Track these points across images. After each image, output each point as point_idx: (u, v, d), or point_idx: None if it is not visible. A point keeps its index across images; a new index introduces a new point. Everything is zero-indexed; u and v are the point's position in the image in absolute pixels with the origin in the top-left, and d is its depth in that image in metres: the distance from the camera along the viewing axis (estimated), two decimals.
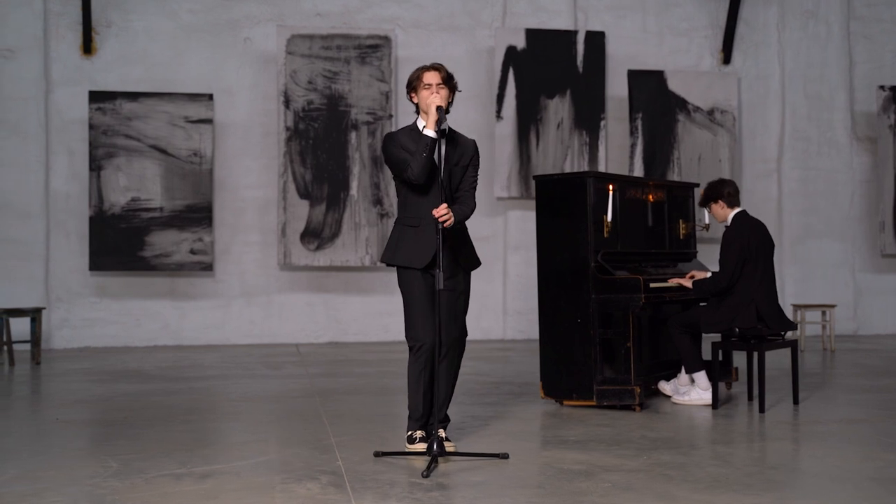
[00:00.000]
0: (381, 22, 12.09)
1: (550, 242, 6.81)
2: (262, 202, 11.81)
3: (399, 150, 5.17)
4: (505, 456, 4.99)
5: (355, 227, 11.64)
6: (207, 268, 11.46)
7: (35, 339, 9.87)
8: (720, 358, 7.45)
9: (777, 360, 9.23)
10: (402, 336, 11.97)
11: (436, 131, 5.03)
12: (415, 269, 5.17)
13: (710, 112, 12.40)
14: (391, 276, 12.02)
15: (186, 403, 7.04)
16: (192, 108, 11.42)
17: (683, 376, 6.97)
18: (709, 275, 6.86)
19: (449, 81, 5.23)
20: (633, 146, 12.20)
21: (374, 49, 11.74)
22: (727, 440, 5.57)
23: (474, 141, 5.45)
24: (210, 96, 11.49)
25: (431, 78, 5.17)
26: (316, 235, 11.59)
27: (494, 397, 7.23)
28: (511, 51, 12.02)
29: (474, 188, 5.36)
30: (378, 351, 10.93)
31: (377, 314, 12.08)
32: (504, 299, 12.26)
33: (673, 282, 6.86)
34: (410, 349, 5.22)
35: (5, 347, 9.72)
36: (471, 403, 6.94)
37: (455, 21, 12.30)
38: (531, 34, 12.04)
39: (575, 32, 12.16)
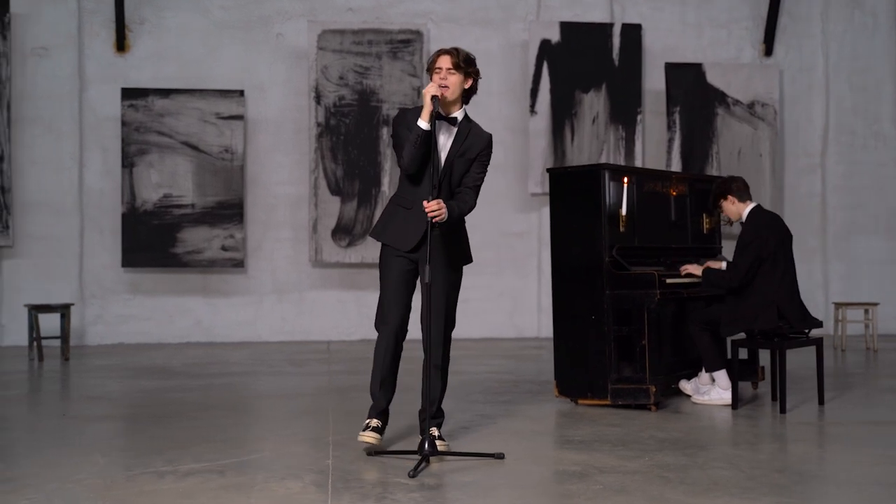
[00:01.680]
0: (414, 16, 11.97)
1: (564, 237, 6.65)
2: (293, 198, 11.76)
3: (405, 129, 4.98)
4: (500, 456, 4.84)
5: None
6: (239, 264, 11.44)
7: (64, 335, 9.91)
8: (745, 356, 7.28)
9: (810, 358, 8.95)
10: None
11: (429, 122, 4.85)
12: (397, 251, 5.03)
13: (751, 105, 12.10)
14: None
15: (200, 400, 6.98)
16: (223, 104, 11.41)
17: (704, 375, 6.76)
18: (723, 265, 6.62)
19: (464, 66, 4.95)
20: (670, 141, 11.95)
21: (405, 44, 11.63)
22: (738, 441, 5.37)
23: (490, 136, 5.16)
24: (241, 92, 11.47)
25: (442, 62, 4.95)
26: (347, 232, 11.52)
27: (510, 396, 7.08)
28: (545, 44, 11.83)
29: (477, 186, 5.11)
30: (408, 349, 10.78)
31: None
32: (539, 296, 12.08)
33: (684, 270, 6.64)
34: (377, 330, 5.09)
35: (35, 343, 9.76)
36: (484, 402, 6.79)
37: (489, 15, 12.14)
38: (566, 27, 11.85)
39: (611, 25, 11.94)
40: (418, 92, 11.60)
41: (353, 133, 11.51)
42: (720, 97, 12.04)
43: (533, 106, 11.81)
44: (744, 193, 6.62)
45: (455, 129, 5.00)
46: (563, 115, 11.82)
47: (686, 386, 6.90)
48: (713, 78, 12.04)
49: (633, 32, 11.96)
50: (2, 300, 11.28)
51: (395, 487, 4.28)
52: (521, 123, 11.99)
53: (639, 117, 11.92)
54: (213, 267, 11.45)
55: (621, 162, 11.80)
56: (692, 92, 11.97)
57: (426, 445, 4.70)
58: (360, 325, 11.82)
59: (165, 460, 4.88)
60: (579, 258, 6.54)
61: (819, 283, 12.35)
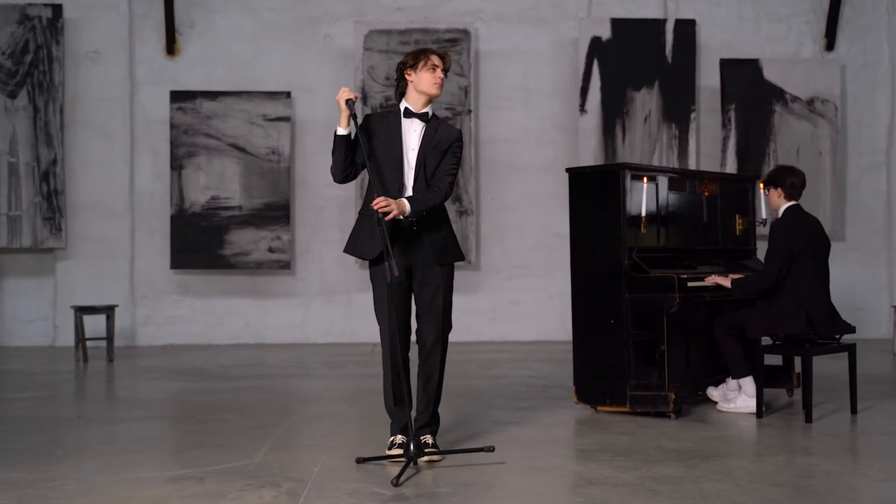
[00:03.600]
0: (463, 15, 11.84)
1: (584, 239, 6.45)
2: (341, 200, 11.70)
3: (364, 133, 4.92)
4: (490, 449, 4.75)
5: None
6: (285, 266, 11.44)
7: (109, 336, 10.00)
8: (780, 363, 7.00)
9: (862, 364, 8.57)
10: (485, 336, 11.77)
11: (346, 128, 4.84)
12: (377, 262, 4.92)
13: (810, 102, 11.70)
14: (473, 275, 11.80)
15: (218, 403, 6.95)
16: (269, 106, 11.42)
17: (732, 382, 6.50)
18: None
19: (448, 70, 5.04)
20: (725, 139, 11.61)
21: (452, 43, 11.51)
22: (748, 452, 5.12)
23: (460, 131, 5.13)
24: (288, 94, 11.47)
25: (439, 61, 4.95)
26: None
27: (532, 402, 6.90)
28: (596, 42, 11.59)
29: (451, 174, 4.99)
30: (455, 352, 10.57)
31: (458, 313, 11.72)
32: None
33: (710, 280, 6.38)
34: (381, 344, 5.00)
35: (80, 344, 9.86)
36: (503, 408, 6.63)
37: (539, 13, 11.94)
38: (617, 24, 11.59)
39: (663, 21, 11.66)
40: (466, 91, 11.47)
41: None
42: (778, 94, 11.66)
43: (583, 105, 11.58)
44: (795, 192, 6.33)
45: (424, 126, 4.94)
46: (613, 114, 11.57)
47: (714, 393, 6.64)
48: (770, 74, 11.67)
49: (687, 28, 11.65)
50: (55, 301, 11.46)
51: (370, 497, 4.15)
52: (570, 123, 11.77)
53: (693, 115, 11.61)
54: (259, 269, 11.47)
55: (674, 161, 11.52)
56: (748, 89, 11.62)
57: (411, 448, 4.56)
58: None
59: (155, 465, 4.84)
60: (598, 261, 6.33)
61: (883, 286, 11.89)
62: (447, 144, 4.99)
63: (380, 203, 4.67)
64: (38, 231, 11.31)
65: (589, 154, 11.46)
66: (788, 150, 11.63)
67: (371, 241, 4.91)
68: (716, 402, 6.58)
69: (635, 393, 6.18)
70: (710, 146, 11.86)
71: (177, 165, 11.35)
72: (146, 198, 11.65)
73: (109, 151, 11.58)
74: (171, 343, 11.57)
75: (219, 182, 11.37)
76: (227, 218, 11.37)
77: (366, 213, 4.99)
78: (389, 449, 4.91)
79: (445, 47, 11.45)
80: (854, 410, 6.26)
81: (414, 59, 4.95)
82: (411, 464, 4.57)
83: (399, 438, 4.92)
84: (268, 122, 11.42)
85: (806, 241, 6.12)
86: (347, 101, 4.81)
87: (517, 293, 11.85)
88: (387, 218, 4.69)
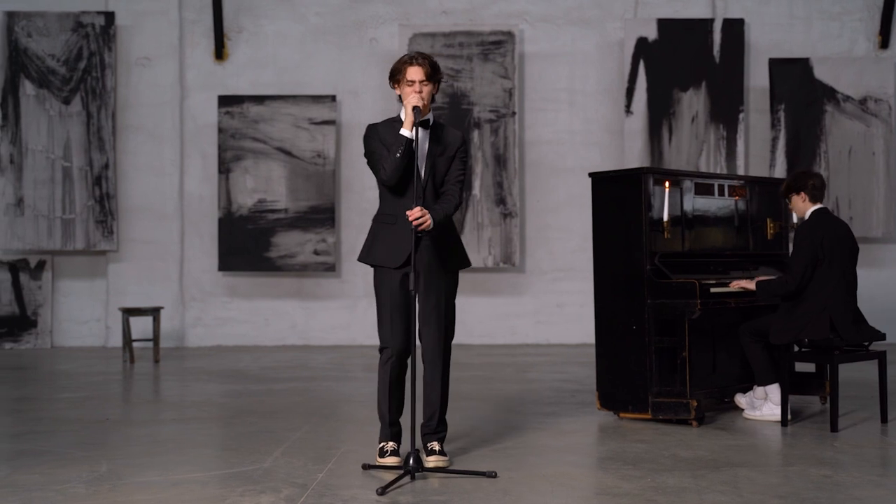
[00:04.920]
0: (508, 17, 11.82)
1: (607, 244, 6.39)
2: None
3: (378, 144, 4.91)
4: (492, 474, 4.66)
5: (478, 227, 11.43)
6: (330, 268, 11.53)
7: (155, 337, 10.17)
8: (813, 369, 6.87)
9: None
10: (530, 338, 11.74)
11: (411, 132, 4.77)
12: (389, 269, 4.91)
13: (863, 101, 11.46)
14: (519, 277, 11.78)
15: (249, 405, 7.03)
16: (315, 109, 11.53)
17: (759, 389, 6.39)
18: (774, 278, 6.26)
19: (434, 76, 4.91)
20: (774, 139, 11.43)
21: (497, 45, 11.49)
22: (762, 462, 5.03)
23: (462, 134, 5.11)
24: (333, 97, 11.56)
25: (415, 74, 4.85)
26: None
27: (556, 407, 6.86)
28: (642, 42, 11.49)
29: (460, 181, 4.98)
30: (498, 354, 10.68)
31: (504, 316, 11.84)
32: None
33: (735, 285, 6.28)
34: (380, 352, 4.98)
35: (127, 346, 10.04)
36: (525, 413, 6.60)
37: (585, 14, 11.88)
38: (663, 24, 11.48)
39: (711, 21, 11.51)
40: (510, 94, 11.45)
41: None
42: (829, 93, 11.45)
43: (629, 106, 11.49)
44: (818, 193, 6.23)
45: (429, 133, 4.91)
46: (660, 115, 11.46)
47: (741, 400, 6.54)
48: (821, 73, 11.46)
49: (735, 27, 11.49)
50: (108, 303, 11.70)
51: None
52: (616, 124, 11.69)
53: (741, 116, 11.45)
54: (305, 271, 11.57)
55: (722, 163, 11.38)
56: (798, 88, 11.43)
57: (411, 461, 4.57)
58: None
59: (165, 468, 4.91)
60: (621, 266, 6.27)
61: None
62: (454, 150, 4.98)
63: (416, 214, 4.67)
64: (91, 234, 11.55)
65: (635, 156, 11.37)
66: (840, 150, 11.42)
67: (393, 248, 4.92)
68: (743, 410, 6.48)
69: (657, 400, 6.12)
70: (759, 147, 11.68)
71: (224, 169, 11.51)
72: (195, 201, 11.84)
73: (159, 155, 11.79)
74: (219, 344, 11.74)
75: (265, 185, 11.51)
76: (273, 221, 11.49)
77: (385, 220, 4.99)
78: (380, 456, 4.90)
79: (490, 49, 11.45)
80: (884, 419, 6.12)
81: (392, 74, 4.93)
82: (409, 477, 4.56)
83: (390, 445, 4.92)
84: (313, 125, 11.52)
85: (832, 245, 6.00)
86: (415, 107, 4.77)
87: (562, 296, 11.79)
88: (420, 229, 4.69)
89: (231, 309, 11.81)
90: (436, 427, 5.02)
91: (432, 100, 4.94)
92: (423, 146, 4.92)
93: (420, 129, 4.87)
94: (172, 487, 4.50)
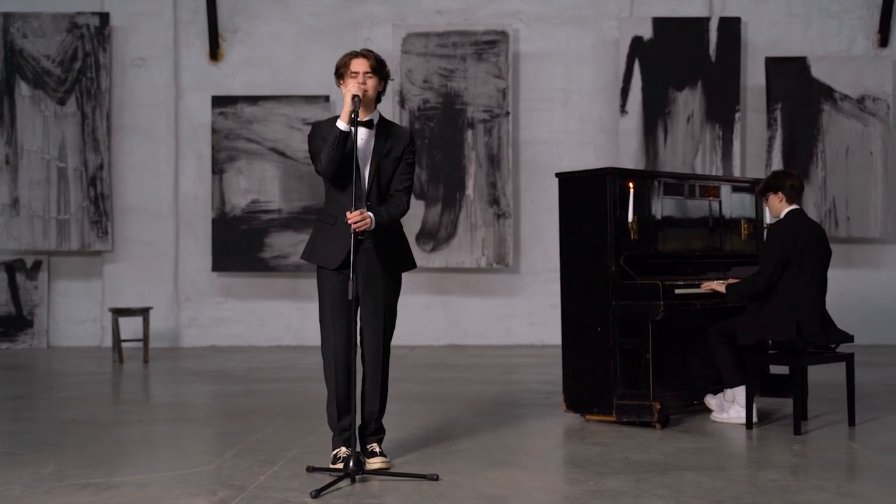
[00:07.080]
0: (503, 16, 11.76)
1: (573, 245, 6.35)
2: None
3: (321, 141, 4.82)
4: (434, 477, 4.61)
5: (471, 227, 11.38)
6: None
7: (145, 338, 10.18)
8: (785, 371, 6.78)
9: (887, 374, 8.28)
10: (524, 339, 11.68)
11: (348, 123, 4.68)
12: (329, 270, 4.86)
13: (861, 100, 11.31)
14: (512, 278, 11.72)
15: (223, 406, 7.04)
16: (308, 109, 11.52)
17: (728, 392, 6.30)
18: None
19: (379, 70, 4.84)
20: (770, 139, 11.31)
21: (491, 45, 11.44)
22: (713, 466, 4.94)
23: (410, 131, 5.04)
24: (327, 98, 11.55)
25: (359, 66, 4.78)
26: (431, 236, 11.42)
27: (526, 409, 6.81)
28: (637, 41, 11.40)
29: (407, 187, 4.91)
30: (491, 355, 10.62)
31: (498, 317, 11.78)
32: None
33: (705, 287, 6.20)
34: (323, 356, 4.93)
35: (116, 346, 10.06)
36: (488, 416, 6.53)
37: (580, 13, 11.80)
38: (658, 23, 11.39)
39: (707, 19, 11.41)
40: (504, 94, 11.39)
41: (438, 136, 11.41)
42: (826, 92, 11.31)
43: (623, 106, 11.40)
44: (795, 194, 6.14)
45: (373, 132, 4.83)
46: (655, 115, 11.37)
47: (711, 401, 6.44)
48: (819, 72, 11.33)
49: (731, 26, 11.38)
50: (103, 303, 11.72)
51: None
52: (611, 124, 11.61)
53: (737, 115, 11.34)
54: (298, 271, 11.56)
55: (718, 163, 11.27)
56: (795, 87, 11.30)
57: (350, 464, 4.52)
58: (447, 331, 11.72)
59: (110, 470, 4.89)
60: (587, 267, 6.22)
61: None
62: (401, 150, 4.90)
63: (355, 217, 4.61)
64: (86, 234, 11.59)
65: (629, 156, 11.28)
66: (837, 150, 11.28)
67: (332, 248, 4.87)
68: (712, 411, 6.40)
69: (622, 402, 6.05)
70: (756, 147, 11.57)
71: (218, 170, 11.52)
72: (190, 201, 11.85)
73: (154, 156, 11.82)
74: (214, 345, 11.75)
75: (259, 186, 11.51)
76: (266, 221, 11.49)
77: (326, 220, 4.94)
78: (334, 463, 4.83)
79: (484, 49, 11.40)
80: (852, 423, 6.03)
81: (336, 69, 4.86)
82: (348, 480, 4.51)
83: (343, 451, 4.82)
84: (307, 125, 11.48)
85: (804, 247, 5.90)
86: (354, 96, 4.67)
87: (556, 297, 11.51)
88: (359, 230, 4.61)
89: (226, 309, 11.82)
90: (375, 429, 4.97)
91: (378, 99, 4.88)
92: (368, 147, 4.85)
93: (363, 129, 4.80)
94: (109, 490, 4.47)
